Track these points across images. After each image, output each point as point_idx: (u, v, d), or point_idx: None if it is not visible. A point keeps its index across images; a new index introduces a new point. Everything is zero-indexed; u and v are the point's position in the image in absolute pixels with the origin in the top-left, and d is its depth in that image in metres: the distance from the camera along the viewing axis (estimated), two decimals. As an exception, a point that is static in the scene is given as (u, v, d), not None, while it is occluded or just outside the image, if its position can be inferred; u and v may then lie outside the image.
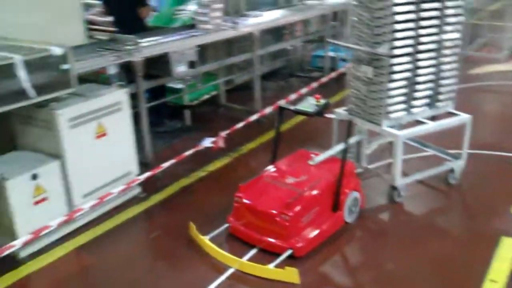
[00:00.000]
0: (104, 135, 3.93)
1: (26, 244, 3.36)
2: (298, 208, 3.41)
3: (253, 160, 4.98)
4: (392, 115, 3.91)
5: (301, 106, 3.79)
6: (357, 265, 3.48)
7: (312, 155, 3.93)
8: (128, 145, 4.18)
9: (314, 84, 5.83)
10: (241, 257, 3.38)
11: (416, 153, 4.67)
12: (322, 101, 3.76)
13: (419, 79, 3.91)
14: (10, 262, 3.41)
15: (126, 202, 4.17)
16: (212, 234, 3.59)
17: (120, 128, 4.08)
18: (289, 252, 3.36)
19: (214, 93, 6.41)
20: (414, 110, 4.00)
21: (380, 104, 3.86)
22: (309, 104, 3.77)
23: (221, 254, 3.41)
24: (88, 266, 3.52)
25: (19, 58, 3.28)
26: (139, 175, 4.21)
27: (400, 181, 4.00)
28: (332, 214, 3.66)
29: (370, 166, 4.52)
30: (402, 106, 3.94)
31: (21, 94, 3.38)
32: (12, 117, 3.83)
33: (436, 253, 3.48)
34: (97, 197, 3.85)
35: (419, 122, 4.13)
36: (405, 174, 4.10)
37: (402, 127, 4.25)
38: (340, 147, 3.85)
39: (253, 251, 3.48)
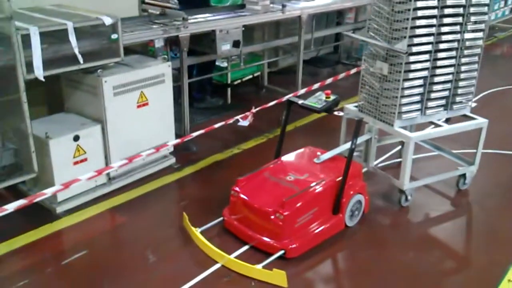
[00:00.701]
0: (145, 105, 4.11)
1: (57, 193, 3.59)
2: (294, 208, 3.27)
3: (286, 142, 5.05)
4: (405, 116, 3.75)
5: (309, 101, 3.65)
6: (350, 273, 3.31)
7: (319, 153, 3.79)
8: (167, 116, 4.35)
9: (353, 71, 5.79)
10: (231, 253, 3.29)
11: (426, 152, 4.57)
12: (332, 97, 3.62)
13: (437, 79, 3.74)
14: (47, 216, 3.69)
15: (160, 171, 4.37)
16: (206, 226, 3.52)
17: (161, 100, 4.25)
18: (281, 252, 3.25)
19: (257, 74, 6.51)
20: (428, 111, 3.84)
21: (394, 103, 3.70)
22: (318, 100, 3.63)
23: (209, 248, 3.31)
24: (119, 225, 3.74)
25: (70, 24, 3.48)
26: (174, 146, 4.40)
27: (408, 185, 3.85)
28: (332, 217, 3.52)
29: (378, 166, 4.38)
30: (417, 106, 3.78)
31: (71, 59, 3.60)
32: (62, 80, 4.07)
33: (442, 257, 3.40)
34: (133, 163, 4.06)
35: (433, 124, 4.02)
36: (413, 177, 3.94)
37: (414, 128, 4.13)
38: (347, 146, 3.68)
39: (244, 248, 3.38)
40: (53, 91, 4.12)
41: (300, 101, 3.70)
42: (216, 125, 4.10)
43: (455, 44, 3.71)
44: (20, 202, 3.02)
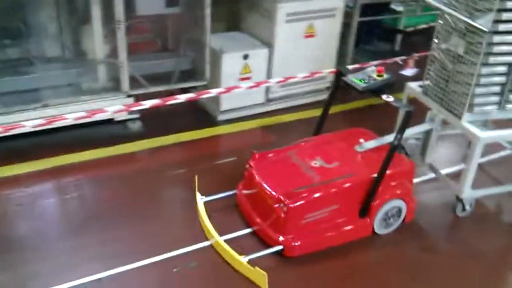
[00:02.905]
0: (312, 36, 4.29)
1: (220, 98, 4.07)
2: (301, 201, 2.73)
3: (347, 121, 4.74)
4: (478, 108, 3.03)
5: (353, 77, 2.97)
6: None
7: (362, 140, 3.13)
8: (331, 50, 4.48)
9: None
10: (230, 233, 2.89)
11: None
12: (385, 76, 2.94)
13: None
14: (210, 122, 4.20)
15: (314, 102, 4.56)
16: (217, 196, 3.14)
17: (328, 33, 4.38)
18: (277, 248, 2.78)
19: (433, 24, 6.20)
20: (509, 106, 3.07)
21: (466, 91, 2.98)
22: (365, 76, 2.95)
23: (204, 222, 2.95)
24: (266, 143, 3.95)
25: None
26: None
27: (468, 194, 3.15)
28: (358, 219, 2.93)
29: (437, 166, 3.44)
30: (495, 99, 3.04)
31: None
32: (241, 2, 4.40)
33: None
34: (290, 89, 4.35)
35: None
36: (479, 184, 3.21)
37: (488, 125, 3.22)
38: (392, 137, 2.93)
39: (246, 231, 2.96)
40: (233, 11, 4.49)
41: (349, 76, 3.01)
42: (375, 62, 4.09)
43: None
44: (189, 95, 3.61)
